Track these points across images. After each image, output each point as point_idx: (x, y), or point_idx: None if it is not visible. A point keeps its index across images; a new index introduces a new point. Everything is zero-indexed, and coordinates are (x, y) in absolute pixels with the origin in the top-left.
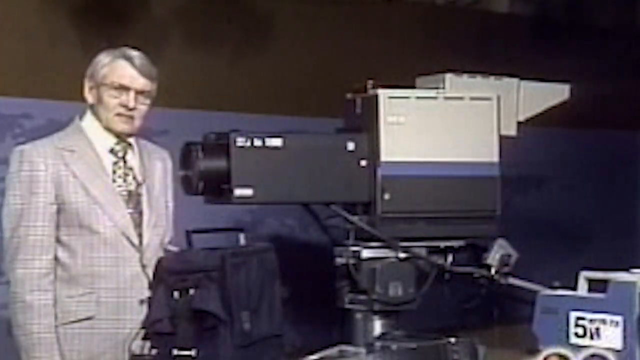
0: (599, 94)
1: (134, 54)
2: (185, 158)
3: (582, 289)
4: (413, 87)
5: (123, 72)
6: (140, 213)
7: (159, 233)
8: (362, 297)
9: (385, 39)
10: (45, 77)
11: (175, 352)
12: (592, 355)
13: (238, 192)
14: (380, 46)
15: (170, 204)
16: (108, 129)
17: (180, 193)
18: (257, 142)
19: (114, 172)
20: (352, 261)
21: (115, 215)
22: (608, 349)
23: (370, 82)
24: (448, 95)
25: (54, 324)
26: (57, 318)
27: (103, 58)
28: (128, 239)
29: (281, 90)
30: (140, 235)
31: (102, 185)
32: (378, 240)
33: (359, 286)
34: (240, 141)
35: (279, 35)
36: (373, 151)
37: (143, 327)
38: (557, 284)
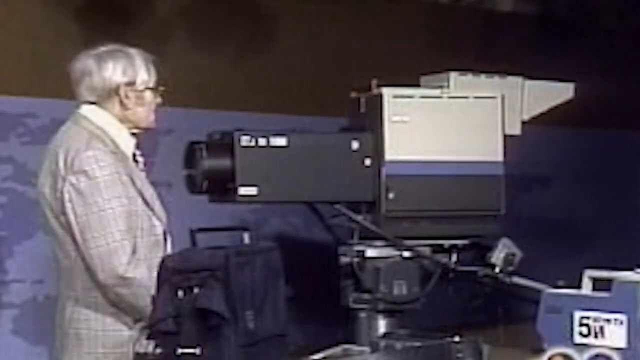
0: (603, 93)
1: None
2: (189, 157)
3: (587, 288)
4: (417, 86)
5: (154, 73)
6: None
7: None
8: (367, 296)
9: (389, 38)
10: (49, 76)
11: (179, 351)
12: (597, 356)
13: (242, 191)
14: (385, 45)
15: None
16: (138, 128)
17: (184, 192)
18: (262, 141)
19: (141, 171)
20: (356, 260)
21: (160, 213)
22: (612, 348)
23: (375, 81)
24: (452, 94)
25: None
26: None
27: (137, 61)
28: (165, 236)
29: (285, 89)
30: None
31: (145, 187)
32: (382, 239)
33: (363, 285)
34: (245, 140)
35: (283, 34)
36: (377, 150)
37: (147, 326)
38: (561, 283)
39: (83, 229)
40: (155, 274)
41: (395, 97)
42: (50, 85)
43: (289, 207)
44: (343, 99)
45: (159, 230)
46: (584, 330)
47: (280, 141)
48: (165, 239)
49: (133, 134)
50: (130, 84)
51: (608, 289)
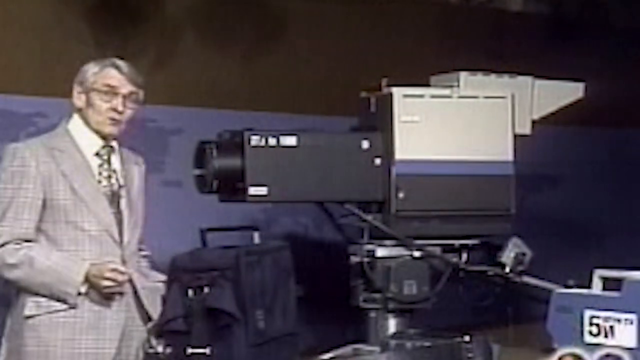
0: (613, 92)
1: (121, 62)
2: (199, 157)
3: (597, 288)
4: (427, 85)
5: (112, 78)
6: (121, 213)
7: (137, 233)
8: (377, 295)
9: (399, 38)
10: (59, 75)
11: (189, 350)
12: (607, 355)
13: (252, 190)
14: (395, 45)
15: (143, 208)
16: (96, 132)
17: (194, 191)
18: (272, 141)
19: (100, 173)
20: (366, 260)
21: (100, 213)
22: (622, 347)
23: (385, 80)
24: (462, 93)
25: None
26: (42, 307)
27: (92, 67)
28: (111, 236)
29: (295, 88)
30: (121, 234)
31: (88, 185)
32: (392, 238)
33: (373, 285)
34: (255, 140)
35: (293, 33)
36: (387, 150)
37: (158, 325)
38: (571, 282)
39: None
40: (68, 263)
41: (405, 96)
42: (60, 85)
43: (299, 207)
44: (353, 98)
45: (91, 227)
46: (594, 329)
47: (290, 141)
48: (114, 239)
49: (105, 138)
50: (80, 83)
51: (618, 289)
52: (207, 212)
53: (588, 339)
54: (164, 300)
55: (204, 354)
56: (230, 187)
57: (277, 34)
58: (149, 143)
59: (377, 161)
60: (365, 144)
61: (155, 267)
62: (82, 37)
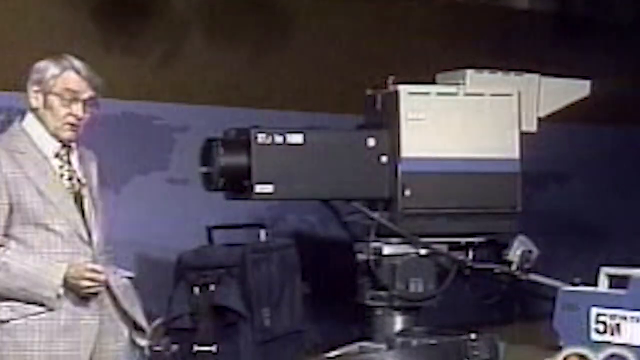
0: (619, 89)
1: (81, 65)
2: (205, 154)
3: (603, 285)
4: (433, 83)
5: (74, 83)
6: (84, 212)
7: (103, 231)
8: (383, 293)
9: (405, 36)
10: None
11: (196, 348)
12: (612, 355)
13: (259, 188)
14: (401, 43)
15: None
16: (54, 135)
17: (200, 189)
18: (278, 139)
19: (62, 174)
20: (372, 257)
21: (68, 214)
22: (628, 345)
23: (391, 78)
24: (468, 91)
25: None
26: (17, 310)
27: (52, 67)
28: (80, 236)
29: (302, 86)
30: (89, 233)
31: (53, 186)
32: (399, 236)
33: (379, 283)
34: (261, 137)
35: (299, 31)
36: (393, 147)
37: (164, 323)
38: (577, 280)
39: None
40: (44, 266)
41: (411, 94)
42: None
43: (305, 204)
44: (359, 96)
45: (62, 228)
46: (601, 327)
47: (297, 138)
48: (83, 240)
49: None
50: (37, 82)
51: (624, 287)
52: (213, 210)
53: (594, 336)
54: (170, 298)
55: (210, 351)
56: (236, 184)
57: (283, 32)
58: (154, 140)
59: (383, 159)
60: (371, 142)
61: (161, 265)
62: (89, 36)
